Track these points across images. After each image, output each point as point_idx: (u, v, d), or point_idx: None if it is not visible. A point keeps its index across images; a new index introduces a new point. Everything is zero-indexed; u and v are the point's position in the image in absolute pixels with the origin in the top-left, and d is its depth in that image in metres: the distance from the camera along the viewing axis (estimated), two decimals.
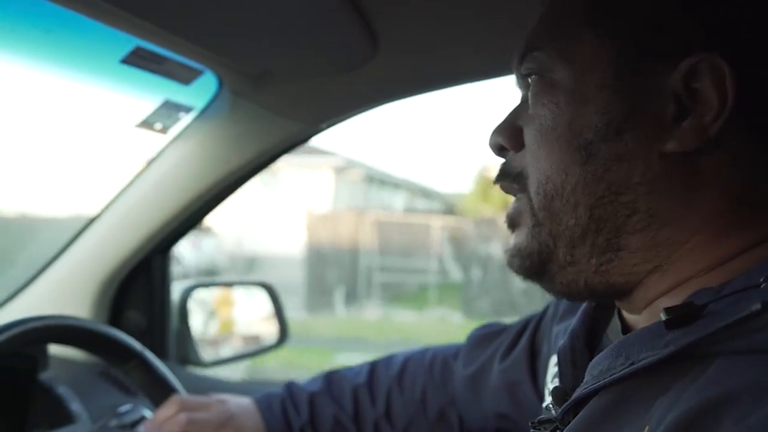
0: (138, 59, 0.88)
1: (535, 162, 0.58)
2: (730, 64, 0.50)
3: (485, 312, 10.00)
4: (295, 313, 10.26)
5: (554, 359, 0.70)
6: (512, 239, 0.62)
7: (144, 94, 1.03)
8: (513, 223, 0.62)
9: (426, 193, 21.79)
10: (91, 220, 1.25)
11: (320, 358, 7.08)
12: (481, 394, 0.95)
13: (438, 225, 13.72)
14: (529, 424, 0.61)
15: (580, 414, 0.53)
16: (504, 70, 0.98)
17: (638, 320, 0.59)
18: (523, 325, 0.94)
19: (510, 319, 1.03)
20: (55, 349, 1.05)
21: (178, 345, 1.39)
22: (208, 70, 0.97)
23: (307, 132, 1.17)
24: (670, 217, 0.53)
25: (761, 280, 0.46)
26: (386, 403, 1.01)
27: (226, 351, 1.60)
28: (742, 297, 0.46)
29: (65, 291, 1.26)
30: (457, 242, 13.66)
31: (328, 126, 1.16)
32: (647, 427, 0.46)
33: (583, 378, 0.55)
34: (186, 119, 1.11)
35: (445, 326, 9.43)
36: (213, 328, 1.53)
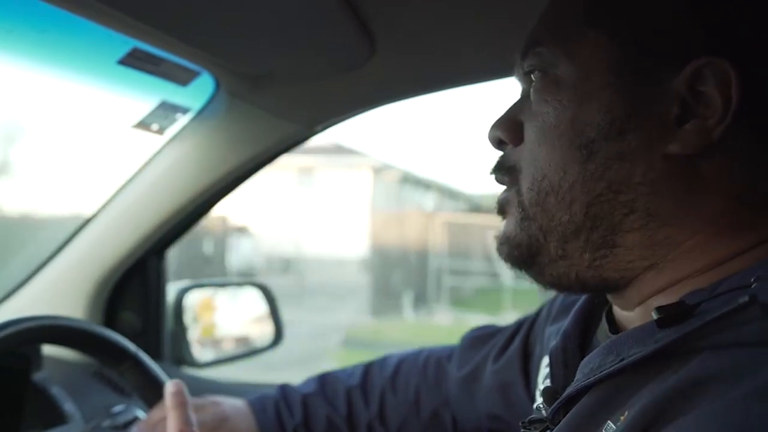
0: (135, 60, 0.88)
1: (532, 158, 0.58)
2: (736, 69, 0.50)
3: None
4: (358, 317, 10.11)
5: (546, 360, 0.70)
6: (502, 226, 0.62)
7: (141, 95, 1.03)
8: (502, 209, 0.63)
9: (453, 195, 21.75)
10: (87, 221, 1.25)
11: None
12: (475, 395, 0.95)
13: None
14: (520, 423, 0.61)
15: (571, 412, 0.53)
16: (503, 71, 0.98)
17: (630, 318, 0.59)
18: (517, 327, 0.94)
19: None
20: (48, 350, 1.05)
21: (174, 346, 1.39)
22: (205, 72, 0.97)
23: (304, 133, 1.16)
24: (669, 217, 0.54)
25: (752, 279, 0.47)
26: (380, 404, 1.01)
27: (219, 352, 1.60)
28: (733, 296, 0.47)
29: (60, 291, 1.26)
30: None
31: (325, 127, 1.16)
32: (626, 413, 0.47)
33: (574, 378, 0.56)
34: (183, 120, 1.11)
35: None
36: (196, 333, 1.53)
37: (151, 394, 0.98)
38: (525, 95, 0.62)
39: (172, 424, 0.77)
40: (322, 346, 8.80)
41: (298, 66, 0.97)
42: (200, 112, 1.11)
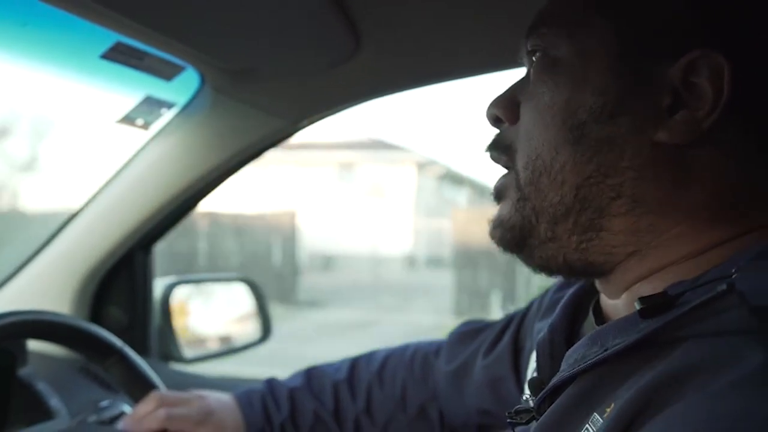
0: (119, 55, 0.87)
1: (527, 137, 0.59)
2: (729, 62, 0.51)
3: None
4: (440, 317, 10.01)
5: (535, 353, 0.70)
6: (497, 211, 0.63)
7: (125, 90, 1.03)
8: (498, 195, 0.63)
9: (483, 191, 21.63)
10: (73, 216, 1.25)
11: None
12: (464, 390, 0.95)
13: None
14: (506, 414, 0.62)
15: (556, 402, 0.54)
16: (490, 66, 0.99)
17: (616, 308, 0.59)
18: (507, 322, 0.95)
19: None
20: (34, 345, 1.04)
21: (160, 341, 1.39)
22: (189, 67, 0.97)
23: (289, 129, 1.16)
24: (654, 204, 0.54)
25: (733, 270, 0.47)
26: (366, 399, 1.01)
27: (204, 349, 1.60)
28: (714, 286, 0.47)
29: (45, 286, 1.26)
30: None
31: (311, 123, 1.16)
32: (612, 404, 0.47)
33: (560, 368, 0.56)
34: (168, 115, 1.11)
35: None
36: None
37: (137, 389, 0.98)
38: (526, 75, 0.63)
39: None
40: None
41: (283, 61, 0.97)
42: (185, 107, 1.10)
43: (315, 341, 8.06)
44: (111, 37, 0.83)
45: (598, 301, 0.64)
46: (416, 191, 16.14)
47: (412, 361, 1.03)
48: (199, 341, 1.58)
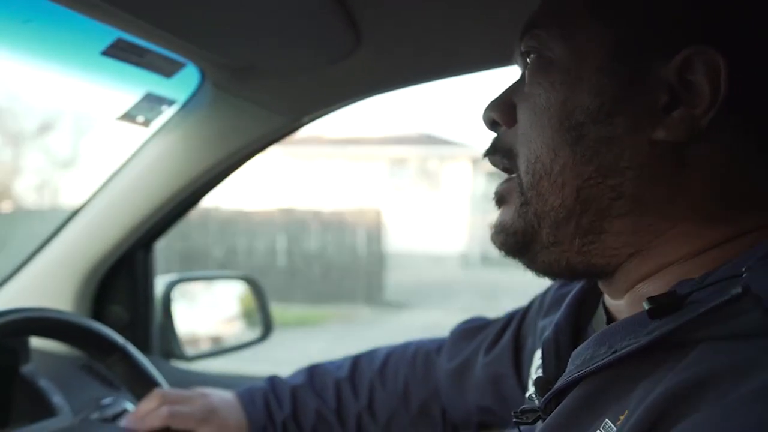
0: (119, 51, 0.87)
1: (525, 140, 0.59)
2: (725, 58, 0.50)
3: None
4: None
5: (539, 352, 0.70)
6: (498, 215, 0.63)
7: (125, 87, 1.03)
8: (501, 200, 0.63)
9: None
10: (74, 213, 1.25)
11: None
12: (465, 387, 0.95)
13: None
14: (512, 413, 0.61)
15: (563, 403, 0.53)
16: (490, 62, 0.99)
17: (621, 308, 0.59)
18: (508, 319, 0.94)
19: None
20: (36, 342, 1.04)
21: (162, 339, 1.39)
22: (190, 63, 0.97)
23: (290, 125, 1.16)
24: (654, 203, 0.54)
25: (743, 269, 0.47)
26: (369, 397, 1.01)
27: (208, 346, 1.60)
28: (724, 286, 0.47)
29: (48, 284, 1.26)
30: None
31: (312, 119, 1.16)
32: (626, 412, 0.47)
33: (566, 368, 0.56)
34: (168, 112, 1.11)
35: None
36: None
37: (140, 386, 0.98)
38: (521, 77, 0.62)
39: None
40: None
41: (283, 58, 0.97)
42: (186, 104, 1.10)
43: None
44: (112, 34, 0.83)
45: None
46: (470, 187, 15.97)
47: (414, 359, 1.03)
48: (200, 339, 1.59)
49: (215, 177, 1.21)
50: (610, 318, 0.62)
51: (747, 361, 0.42)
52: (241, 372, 1.39)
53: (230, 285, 1.72)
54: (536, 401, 0.59)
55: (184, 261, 10.29)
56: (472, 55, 0.99)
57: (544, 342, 0.66)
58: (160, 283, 1.40)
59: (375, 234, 11.55)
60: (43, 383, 1.00)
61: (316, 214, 11.65)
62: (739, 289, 0.44)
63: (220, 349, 1.56)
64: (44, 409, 0.97)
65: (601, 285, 0.62)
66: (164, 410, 0.93)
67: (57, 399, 0.99)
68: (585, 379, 0.52)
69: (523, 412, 0.60)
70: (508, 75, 0.67)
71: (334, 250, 11.38)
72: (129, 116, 1.07)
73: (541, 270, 0.61)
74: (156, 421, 0.93)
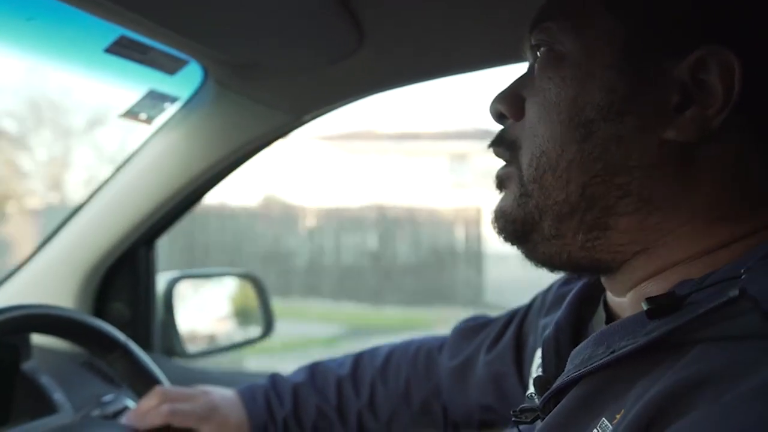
0: (122, 49, 0.87)
1: (532, 134, 0.58)
2: (739, 59, 0.50)
3: None
4: None
5: (540, 351, 0.70)
6: (498, 201, 0.62)
7: (128, 84, 1.03)
8: (501, 183, 0.62)
9: None
10: (76, 211, 1.25)
11: None
12: (467, 385, 0.95)
13: None
14: (511, 412, 0.61)
15: (561, 403, 0.53)
16: (493, 60, 0.99)
17: (623, 306, 0.59)
18: (509, 318, 0.94)
19: None
20: (37, 339, 1.04)
21: (164, 336, 1.39)
22: (193, 61, 0.97)
23: (293, 123, 1.16)
24: (662, 203, 0.54)
25: (742, 271, 0.47)
26: (370, 395, 1.01)
27: (209, 343, 1.60)
28: (723, 287, 0.46)
29: (49, 281, 1.26)
30: None
31: (314, 117, 1.16)
32: (623, 410, 0.47)
33: (565, 368, 0.56)
34: (171, 109, 1.11)
35: None
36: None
37: (141, 383, 0.98)
38: (530, 70, 0.62)
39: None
40: None
41: (286, 56, 0.96)
42: (188, 102, 1.10)
43: None
44: (115, 31, 0.83)
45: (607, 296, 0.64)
46: None
47: (416, 357, 1.03)
48: (201, 336, 1.59)
49: (217, 174, 1.21)
50: (610, 317, 0.61)
51: (745, 360, 0.42)
52: (243, 369, 1.39)
53: (233, 282, 1.72)
54: (536, 400, 0.59)
55: (265, 262, 9.81)
56: (474, 54, 0.99)
57: (544, 341, 0.66)
58: (161, 281, 1.40)
59: (474, 233, 10.87)
60: (44, 380, 1.00)
61: (409, 212, 11.07)
62: (736, 292, 0.44)
63: (221, 347, 1.56)
64: (45, 406, 0.97)
65: (604, 281, 0.61)
66: (165, 408, 0.93)
67: (58, 396, 0.99)
68: (583, 378, 0.52)
69: (522, 411, 0.60)
70: (510, 73, 0.66)
71: (428, 249, 10.81)
72: (132, 113, 1.07)
73: (540, 261, 0.60)
74: (157, 419, 0.93)
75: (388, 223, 10.68)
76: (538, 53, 0.60)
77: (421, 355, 1.03)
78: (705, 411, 0.41)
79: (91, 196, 1.23)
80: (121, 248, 1.26)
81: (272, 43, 0.91)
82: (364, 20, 0.84)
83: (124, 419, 0.97)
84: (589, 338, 0.55)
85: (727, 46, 0.51)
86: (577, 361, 0.54)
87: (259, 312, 1.54)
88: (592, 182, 0.55)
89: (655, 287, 0.54)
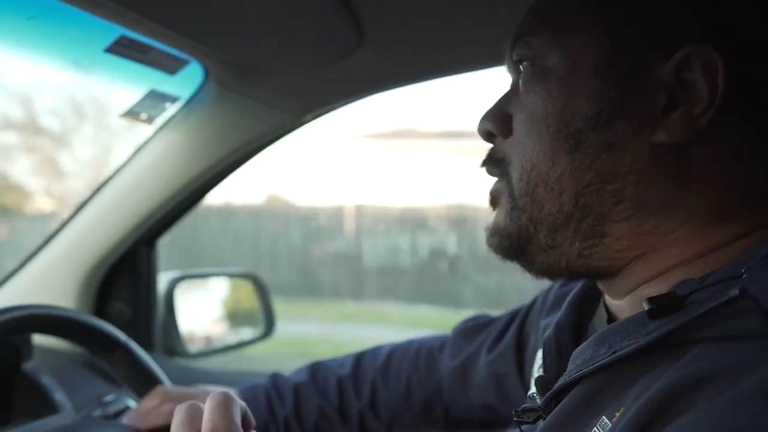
0: (123, 48, 0.87)
1: (521, 149, 0.58)
2: (723, 57, 0.50)
3: None
4: None
5: (541, 351, 0.70)
6: (492, 218, 0.62)
7: (129, 84, 1.03)
8: (493, 201, 0.62)
9: None
10: (77, 211, 1.25)
11: None
12: (468, 385, 0.95)
13: None
14: (513, 412, 0.61)
15: (563, 402, 0.53)
16: (494, 60, 0.98)
17: (622, 308, 0.59)
18: (511, 317, 0.94)
19: None
20: (39, 339, 1.04)
21: (165, 336, 1.39)
22: (193, 60, 0.97)
23: (293, 122, 1.16)
24: (657, 206, 0.54)
25: (743, 270, 0.47)
26: (371, 394, 1.01)
27: (210, 343, 1.60)
28: (724, 287, 0.46)
29: (50, 281, 1.26)
30: None
31: (315, 117, 1.16)
32: (623, 408, 0.47)
33: (567, 368, 0.56)
34: (171, 109, 1.11)
35: None
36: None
37: (142, 383, 0.98)
38: (514, 86, 0.61)
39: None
40: None
41: (286, 55, 0.97)
42: (189, 101, 1.10)
43: None
44: (115, 31, 0.83)
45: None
46: None
47: (417, 357, 1.03)
48: (202, 336, 1.59)
49: (218, 174, 1.21)
50: (611, 317, 0.61)
51: (745, 359, 0.42)
52: (244, 369, 1.39)
53: (233, 282, 1.72)
54: (537, 400, 0.59)
55: (335, 264, 9.57)
56: (474, 54, 0.99)
57: (545, 341, 0.66)
58: (162, 280, 1.40)
59: None
60: (46, 380, 1.00)
61: (458, 209, 10.60)
62: (736, 292, 0.44)
63: (221, 347, 1.56)
64: (46, 406, 0.97)
65: (601, 285, 0.61)
66: (166, 408, 0.93)
67: (59, 396, 0.99)
68: (585, 378, 0.52)
69: (524, 411, 0.60)
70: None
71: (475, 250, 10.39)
72: (132, 113, 1.07)
73: (539, 272, 0.60)
74: (158, 419, 0.93)
75: (466, 223, 10.33)
76: (521, 68, 0.59)
77: (422, 355, 1.02)
78: (705, 409, 0.41)
79: (92, 196, 1.23)
80: (122, 248, 1.27)
81: (272, 42, 0.91)
82: (364, 19, 0.84)
83: (125, 419, 0.97)
84: (590, 338, 0.55)
85: (711, 45, 0.50)
86: (578, 361, 0.54)
87: (261, 312, 1.54)
88: (585, 191, 0.55)
89: (655, 289, 0.54)
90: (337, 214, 10.01)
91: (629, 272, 0.56)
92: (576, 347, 0.56)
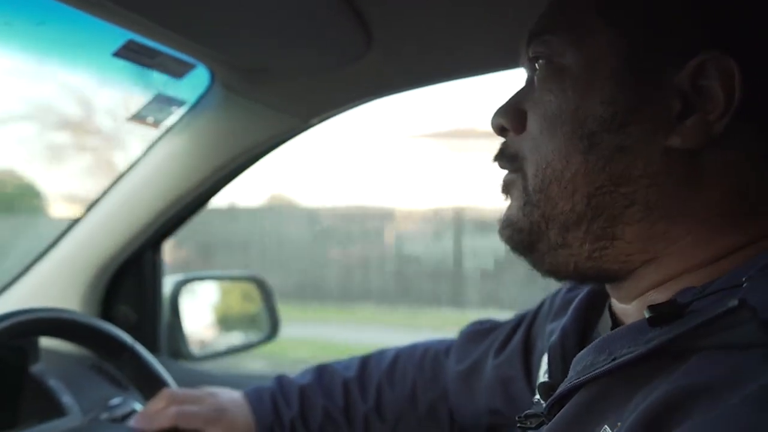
0: (130, 53, 0.88)
1: (535, 147, 0.58)
2: (739, 64, 0.50)
3: None
4: None
5: (546, 356, 0.70)
6: (505, 210, 0.62)
7: (136, 88, 1.03)
8: (506, 189, 0.63)
9: None
10: (83, 214, 1.25)
11: None
12: (475, 389, 0.95)
13: None
14: (516, 418, 0.61)
15: (564, 408, 0.53)
16: (501, 63, 0.99)
17: (628, 312, 0.59)
18: (518, 322, 0.94)
19: None
20: (46, 342, 1.05)
21: (170, 339, 1.39)
22: (200, 65, 0.97)
23: (300, 126, 1.16)
24: (668, 211, 0.54)
25: (743, 279, 0.47)
26: (376, 397, 1.01)
27: (215, 346, 1.60)
28: (725, 295, 0.47)
29: (56, 284, 1.26)
30: None
31: (321, 120, 1.16)
32: (623, 420, 0.46)
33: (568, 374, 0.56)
34: (178, 113, 1.11)
35: None
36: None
37: (148, 386, 0.99)
38: (529, 82, 0.62)
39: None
40: None
41: (293, 59, 0.97)
42: (195, 105, 1.11)
43: None
44: (123, 36, 0.83)
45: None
46: None
47: (423, 360, 1.02)
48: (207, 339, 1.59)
49: (224, 178, 1.21)
50: (615, 322, 0.61)
51: (741, 369, 0.42)
52: (249, 371, 1.39)
53: (238, 285, 1.72)
54: (542, 405, 0.59)
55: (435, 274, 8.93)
56: (482, 57, 0.99)
57: (550, 346, 0.66)
58: (168, 283, 1.40)
59: None
60: (53, 383, 1.01)
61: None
62: (735, 302, 0.44)
63: (227, 350, 1.56)
64: (53, 409, 0.98)
65: (609, 289, 0.61)
66: (172, 410, 0.93)
67: (66, 399, 1.00)
68: (585, 385, 0.52)
69: (527, 416, 0.60)
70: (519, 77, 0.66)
71: None
72: (139, 117, 1.08)
73: (547, 271, 0.60)
74: (164, 421, 0.93)
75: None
76: (536, 65, 0.59)
77: (427, 359, 1.02)
78: (701, 420, 0.41)
79: (98, 199, 1.24)
80: (127, 251, 1.27)
81: (279, 46, 0.91)
82: (372, 23, 0.84)
83: (131, 422, 0.97)
84: (591, 345, 0.55)
85: (727, 52, 0.51)
86: (579, 367, 0.54)
87: (265, 314, 1.54)
88: (598, 192, 0.55)
89: (661, 296, 0.54)
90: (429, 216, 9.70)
91: (638, 276, 0.56)
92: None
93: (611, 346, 0.52)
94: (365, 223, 9.20)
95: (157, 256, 1.36)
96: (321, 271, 8.54)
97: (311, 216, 9.12)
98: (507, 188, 0.63)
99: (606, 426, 0.48)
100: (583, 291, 0.69)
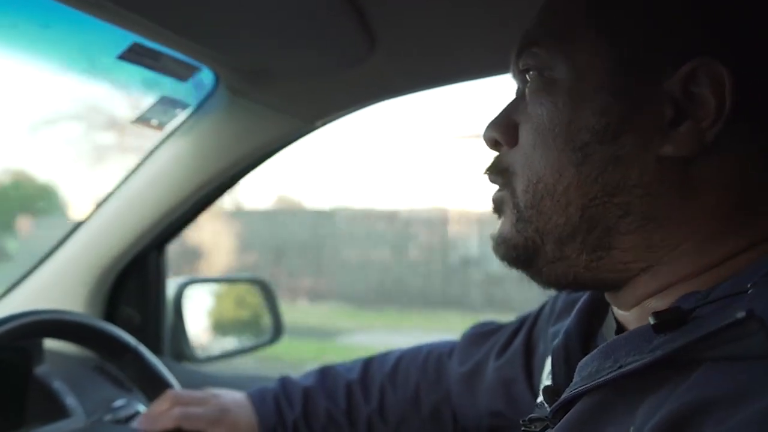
0: (135, 55, 0.88)
1: (527, 161, 0.58)
2: (730, 70, 0.50)
3: None
4: None
5: (550, 358, 0.70)
6: (498, 227, 0.62)
7: (141, 90, 1.03)
8: (497, 208, 0.62)
9: None
10: (87, 216, 1.25)
11: None
12: (477, 391, 0.95)
13: None
14: (520, 422, 0.61)
15: (568, 414, 0.53)
16: (505, 67, 0.98)
17: (628, 319, 0.59)
18: (519, 324, 0.94)
19: None
20: (50, 344, 1.05)
21: (173, 341, 1.39)
22: (204, 67, 0.98)
23: (304, 128, 1.17)
24: (664, 219, 0.53)
25: (748, 285, 0.47)
26: (379, 399, 1.01)
27: (219, 347, 1.60)
28: (729, 302, 0.46)
29: (60, 286, 1.26)
30: None
31: (325, 123, 1.16)
32: (632, 428, 0.46)
33: (573, 379, 0.56)
34: (182, 115, 1.12)
35: None
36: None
37: (152, 387, 0.99)
38: (520, 95, 0.61)
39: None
40: None
41: (298, 62, 0.97)
42: (200, 108, 1.11)
43: None
44: (128, 38, 0.83)
45: None
46: None
47: (426, 362, 1.03)
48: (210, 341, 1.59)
49: (228, 180, 1.22)
50: (619, 325, 0.61)
51: (749, 383, 0.42)
52: (253, 373, 1.39)
53: (241, 287, 1.72)
54: (546, 409, 0.59)
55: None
56: (486, 60, 0.99)
57: (554, 349, 0.66)
58: (171, 285, 1.40)
59: None
60: (57, 385, 1.01)
61: None
62: (743, 313, 0.43)
63: (230, 351, 1.57)
64: (57, 411, 0.98)
65: (608, 296, 0.61)
66: (176, 411, 0.94)
67: (70, 400, 1.00)
68: (590, 392, 0.52)
69: (532, 420, 0.60)
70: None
71: None
72: (144, 119, 1.08)
73: (546, 283, 0.60)
74: (168, 423, 0.93)
75: None
76: (527, 77, 0.59)
77: (430, 361, 1.03)
78: None
79: (102, 201, 1.24)
80: (131, 253, 1.27)
81: (284, 49, 0.91)
82: (375, 26, 0.84)
83: (135, 424, 0.97)
84: (595, 350, 0.54)
85: (718, 58, 0.50)
86: (584, 373, 0.54)
87: (269, 316, 1.54)
88: (592, 204, 0.55)
89: (660, 303, 0.54)
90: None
91: (635, 284, 0.56)
92: (585, 356, 0.56)
93: (616, 352, 0.51)
94: (443, 227, 9.07)
95: (162, 257, 1.36)
96: (400, 273, 8.40)
97: (387, 219, 9.06)
98: (498, 207, 0.62)
99: None
100: (586, 293, 0.69)
